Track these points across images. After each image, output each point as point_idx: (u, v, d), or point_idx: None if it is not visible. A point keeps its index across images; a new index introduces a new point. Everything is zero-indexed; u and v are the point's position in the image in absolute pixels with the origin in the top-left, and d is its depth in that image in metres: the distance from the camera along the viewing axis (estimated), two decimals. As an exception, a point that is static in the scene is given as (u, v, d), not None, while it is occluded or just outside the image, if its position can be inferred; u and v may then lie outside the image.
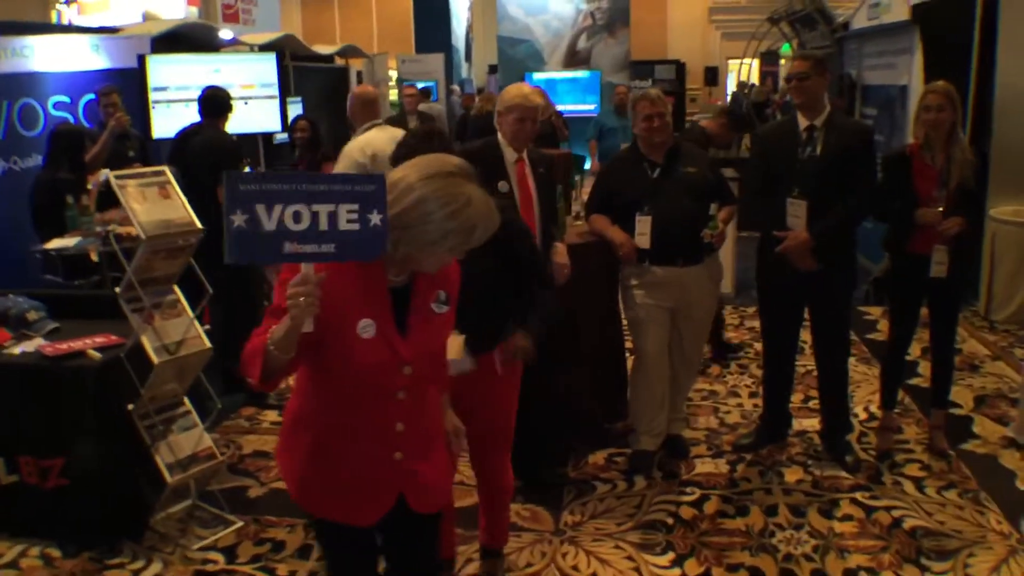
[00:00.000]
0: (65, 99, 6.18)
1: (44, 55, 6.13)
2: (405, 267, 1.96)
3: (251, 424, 4.82)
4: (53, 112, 6.10)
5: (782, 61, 13.86)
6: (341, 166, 4.68)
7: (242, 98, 6.49)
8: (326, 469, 2.05)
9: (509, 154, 3.60)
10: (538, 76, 12.40)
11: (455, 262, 2.08)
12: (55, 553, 3.53)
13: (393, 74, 13.67)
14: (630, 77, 12.67)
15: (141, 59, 6.14)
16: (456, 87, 14.46)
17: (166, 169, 3.50)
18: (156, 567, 3.40)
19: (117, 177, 3.37)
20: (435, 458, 2.16)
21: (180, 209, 3.43)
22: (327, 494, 2.07)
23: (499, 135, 3.64)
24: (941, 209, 3.68)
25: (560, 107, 10.17)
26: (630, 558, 3.35)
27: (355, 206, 1.73)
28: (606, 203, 4.01)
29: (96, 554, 3.50)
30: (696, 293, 3.93)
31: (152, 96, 6.21)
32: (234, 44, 8.13)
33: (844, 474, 3.92)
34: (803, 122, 3.77)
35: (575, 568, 3.30)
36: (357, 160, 4.61)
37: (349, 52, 10.96)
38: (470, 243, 1.91)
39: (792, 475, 3.94)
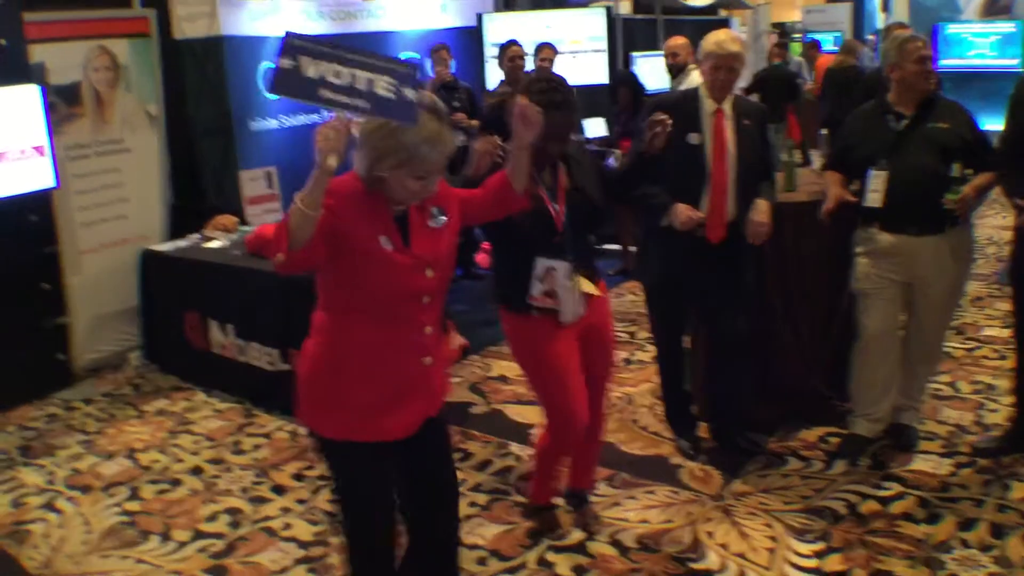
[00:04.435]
0: (414, 55, 6.90)
1: (397, 14, 6.86)
2: (390, 194, 2.17)
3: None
4: (403, 67, 6.88)
5: None
6: None
7: (571, 52, 6.83)
8: (364, 391, 2.22)
9: (707, 104, 3.46)
10: (952, 29, 10.99)
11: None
12: (302, 431, 4.24)
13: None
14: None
15: (479, 17, 6.74)
16: (871, 38, 13.37)
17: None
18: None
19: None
20: (440, 363, 2.39)
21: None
22: (363, 415, 2.24)
23: (700, 85, 3.52)
24: None
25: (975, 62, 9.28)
26: (773, 538, 3.15)
27: (392, 80, 2.00)
28: (843, 158, 3.66)
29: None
30: (933, 269, 3.45)
31: (488, 51, 6.80)
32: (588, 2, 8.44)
33: (1088, 503, 3.24)
34: (1070, 72, 3.11)
35: (709, 534, 3.20)
36: None
37: (731, 3, 10.69)
38: (416, 164, 2.09)
39: (1022, 492, 3.34)
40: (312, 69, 1.96)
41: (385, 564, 2.44)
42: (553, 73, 3.03)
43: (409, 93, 2.00)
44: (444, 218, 2.28)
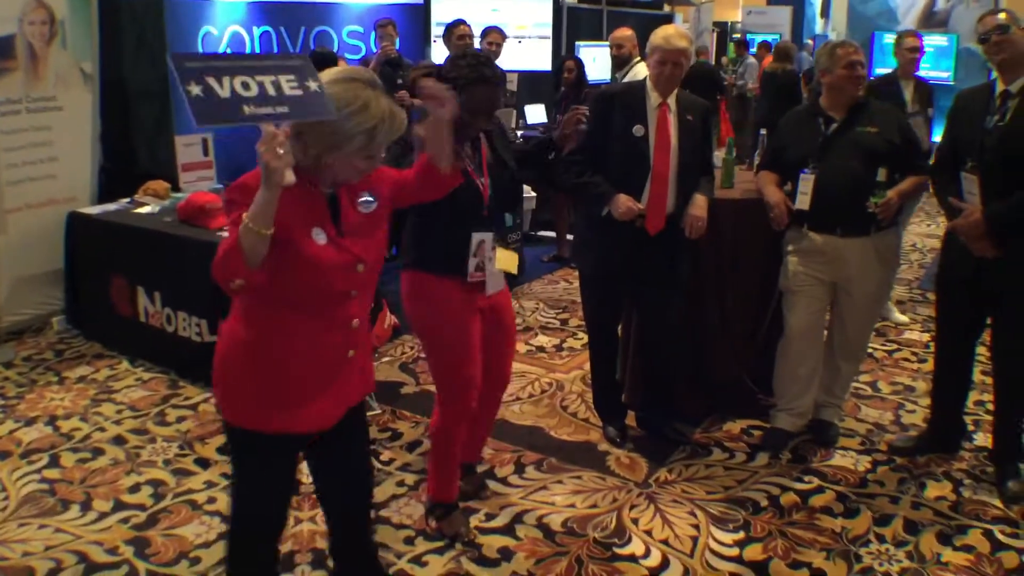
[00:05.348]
0: (358, 29, 6.84)
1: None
2: (327, 177, 2.06)
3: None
4: (347, 40, 6.82)
5: None
6: None
7: (516, 37, 6.82)
8: (282, 383, 2.12)
9: (653, 98, 3.50)
10: (888, 39, 11.31)
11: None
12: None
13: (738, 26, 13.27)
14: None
15: (426, -4, 6.73)
16: (809, 42, 13.67)
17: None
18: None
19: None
20: (367, 347, 2.34)
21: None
22: (278, 406, 2.13)
23: (647, 78, 3.56)
24: None
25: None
26: (696, 527, 3.22)
27: (292, 76, 1.89)
28: (776, 160, 3.75)
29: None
30: (857, 269, 3.56)
31: (435, 31, 6.76)
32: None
33: (997, 503, 3.38)
34: (1000, 86, 3.23)
35: (634, 521, 3.25)
36: None
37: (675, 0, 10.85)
38: (373, 145, 2.02)
39: (935, 491, 3.47)
40: (222, 88, 1.81)
41: (266, 557, 2.38)
42: (476, 49, 3.07)
43: (312, 84, 1.89)
44: (374, 202, 2.19)
